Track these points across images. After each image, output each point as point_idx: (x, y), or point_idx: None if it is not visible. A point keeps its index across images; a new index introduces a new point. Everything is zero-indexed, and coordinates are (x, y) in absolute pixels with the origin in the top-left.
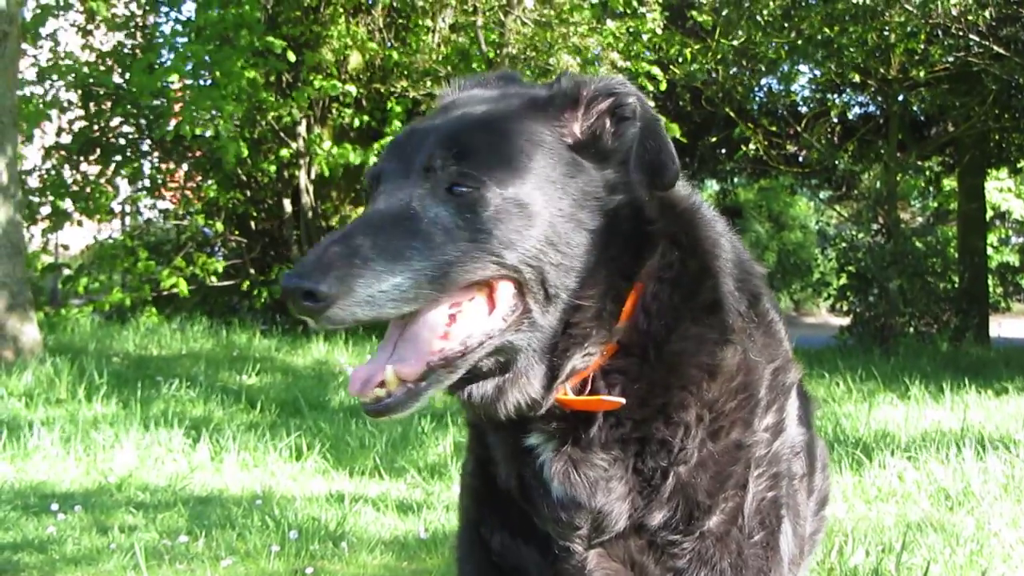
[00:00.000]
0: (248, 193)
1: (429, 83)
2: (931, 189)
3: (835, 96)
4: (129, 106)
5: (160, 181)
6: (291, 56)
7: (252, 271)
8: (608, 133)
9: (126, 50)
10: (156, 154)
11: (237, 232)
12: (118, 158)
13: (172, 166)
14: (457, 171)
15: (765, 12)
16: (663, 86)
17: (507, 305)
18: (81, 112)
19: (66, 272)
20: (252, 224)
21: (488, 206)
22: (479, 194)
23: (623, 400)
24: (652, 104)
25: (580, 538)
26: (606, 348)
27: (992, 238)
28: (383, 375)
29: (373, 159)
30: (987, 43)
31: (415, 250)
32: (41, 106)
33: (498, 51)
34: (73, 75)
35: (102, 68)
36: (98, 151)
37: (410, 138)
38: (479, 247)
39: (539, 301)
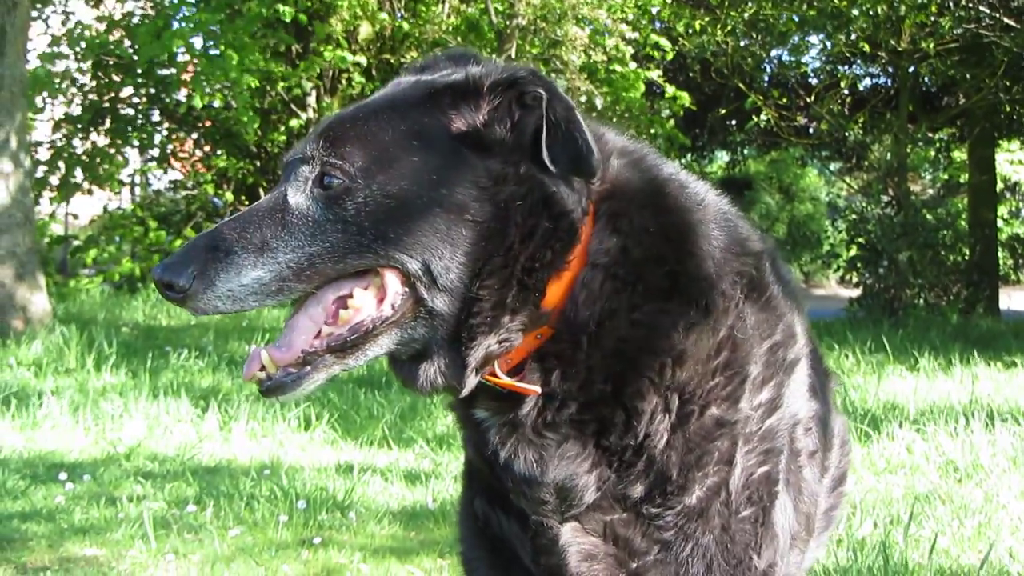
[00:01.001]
0: (258, 163)
1: (439, 53)
2: (941, 161)
3: (845, 68)
4: (139, 77)
5: (170, 151)
6: (303, 19)
7: None
8: (505, 123)
9: (136, 20)
10: (166, 124)
11: (247, 202)
12: (128, 129)
13: (182, 136)
14: (327, 162)
15: None
16: (670, 55)
17: (395, 293)
18: (91, 83)
19: (76, 243)
20: (262, 194)
21: (355, 197)
22: (346, 186)
23: (538, 388)
24: (660, 74)
25: (551, 511)
26: (539, 331)
27: (1002, 210)
28: (261, 360)
29: None
30: (998, 15)
31: (281, 242)
32: (56, 80)
33: (508, 22)
34: (83, 44)
35: (112, 38)
36: (108, 121)
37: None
38: (348, 239)
39: (430, 290)
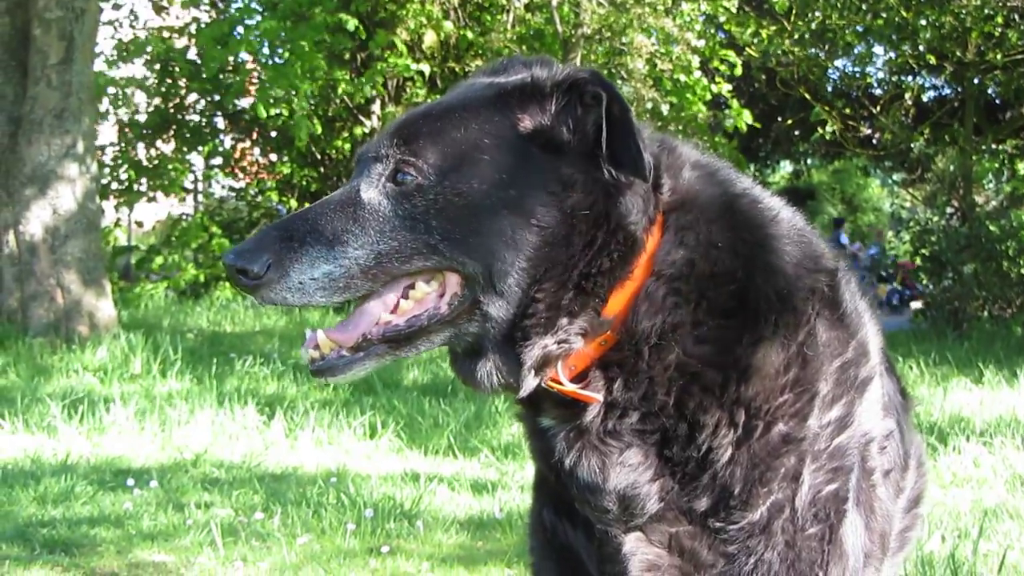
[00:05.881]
0: (322, 170)
1: (514, 57)
2: (1005, 172)
3: (910, 79)
4: (204, 83)
5: (234, 159)
6: (362, 33)
7: None
8: (568, 123)
9: (201, 26)
10: (231, 132)
11: None
12: (193, 135)
13: (247, 144)
14: (400, 159)
15: None
16: (738, 70)
17: (453, 294)
18: (158, 89)
19: (140, 249)
20: None
21: (427, 195)
22: (419, 182)
23: (599, 396)
24: (728, 87)
25: (614, 521)
26: (603, 338)
27: None
28: (317, 339)
29: None
30: None
31: (352, 236)
32: (120, 87)
33: (573, 31)
34: (149, 49)
35: (178, 46)
36: (173, 128)
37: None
38: (416, 238)
39: (487, 294)
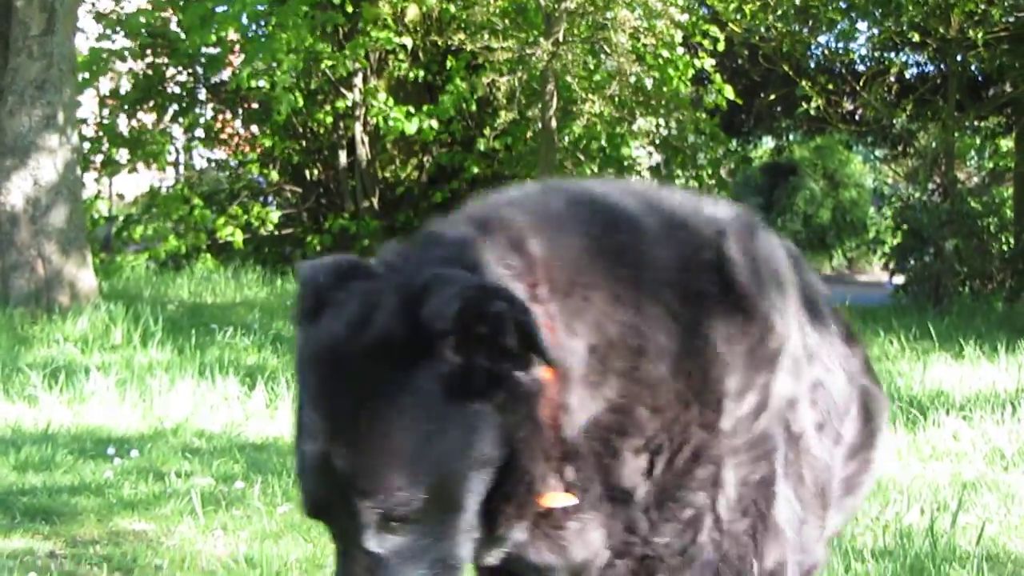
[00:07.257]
0: (304, 143)
1: (486, 36)
2: (987, 149)
3: (893, 55)
4: (186, 56)
5: (215, 130)
6: (349, 6)
7: (306, 221)
8: (483, 358)
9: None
10: (212, 104)
11: (291, 182)
12: (174, 107)
13: (228, 116)
14: (380, 512)
15: None
16: (721, 46)
17: None
18: (140, 62)
19: (120, 220)
20: (307, 174)
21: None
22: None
23: (572, 498)
24: (711, 63)
25: None
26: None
27: None
28: None
29: (427, 124)
30: None
31: None
32: (103, 57)
33: (556, 5)
34: (126, 25)
35: (159, 17)
36: (154, 100)
37: (311, 474)
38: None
39: None
